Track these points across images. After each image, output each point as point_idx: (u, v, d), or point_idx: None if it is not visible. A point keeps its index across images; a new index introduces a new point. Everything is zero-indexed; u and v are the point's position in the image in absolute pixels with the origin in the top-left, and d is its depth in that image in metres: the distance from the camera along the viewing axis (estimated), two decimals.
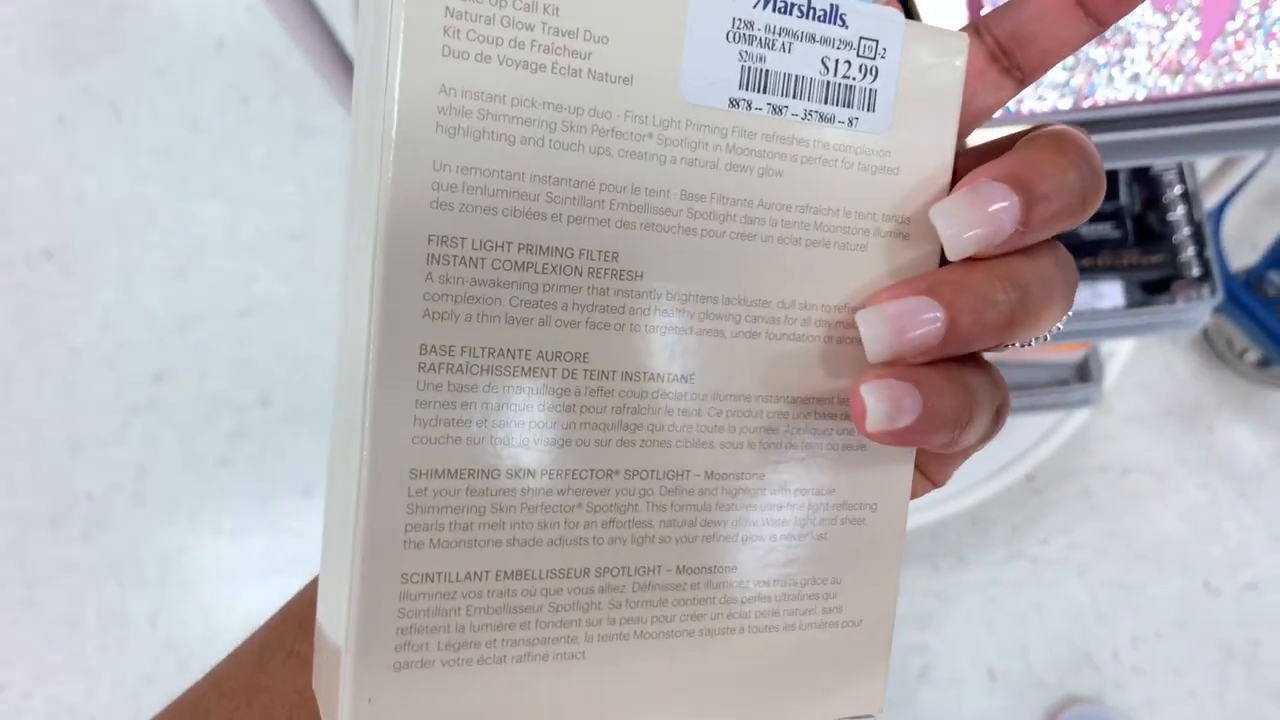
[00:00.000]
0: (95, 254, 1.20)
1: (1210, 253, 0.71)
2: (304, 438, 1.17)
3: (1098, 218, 0.72)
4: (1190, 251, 0.71)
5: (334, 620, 0.22)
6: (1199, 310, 0.71)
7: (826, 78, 0.23)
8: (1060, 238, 0.24)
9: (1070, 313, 0.24)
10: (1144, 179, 0.73)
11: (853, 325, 0.24)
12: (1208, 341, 1.19)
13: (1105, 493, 1.17)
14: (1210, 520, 1.16)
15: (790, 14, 0.23)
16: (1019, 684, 1.13)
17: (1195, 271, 0.71)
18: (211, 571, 1.14)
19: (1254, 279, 1.09)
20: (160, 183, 1.22)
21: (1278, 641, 1.13)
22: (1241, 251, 1.18)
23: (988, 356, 0.25)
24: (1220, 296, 0.70)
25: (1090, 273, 0.71)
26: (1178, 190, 0.72)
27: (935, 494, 1.02)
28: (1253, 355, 1.15)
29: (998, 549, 1.16)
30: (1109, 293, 0.71)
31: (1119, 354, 1.02)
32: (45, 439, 1.16)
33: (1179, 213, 0.72)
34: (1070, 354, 0.88)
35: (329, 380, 1.18)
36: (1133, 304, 0.71)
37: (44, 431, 1.16)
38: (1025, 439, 1.02)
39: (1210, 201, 0.76)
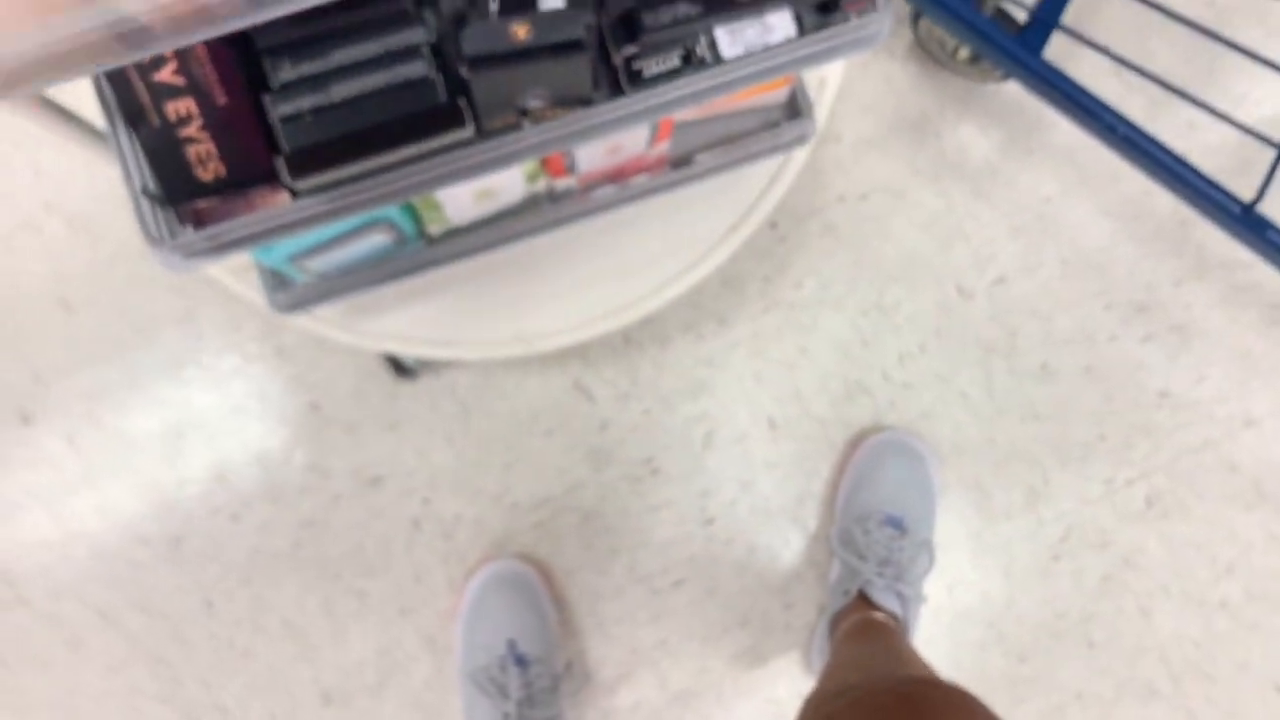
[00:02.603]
0: None
1: None
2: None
3: None
4: None
5: None
6: (876, 21, 0.67)
7: None
8: None
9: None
10: None
11: None
12: (921, 47, 1.16)
13: (848, 223, 1.16)
14: (952, 225, 1.17)
15: None
16: (800, 427, 1.15)
17: None
18: None
19: None
20: None
21: (1031, 327, 1.17)
22: None
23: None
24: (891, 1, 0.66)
25: (757, 6, 0.65)
26: None
27: (683, 261, 0.98)
28: (965, 52, 1.14)
29: (754, 303, 1.15)
30: (779, 24, 0.66)
31: (831, 81, 0.98)
32: None
33: None
34: (774, 94, 0.84)
35: None
36: (807, 31, 0.66)
37: None
38: (755, 188, 0.99)
39: None
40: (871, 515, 1.07)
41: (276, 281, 0.85)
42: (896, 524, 1.06)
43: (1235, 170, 1.02)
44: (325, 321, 0.96)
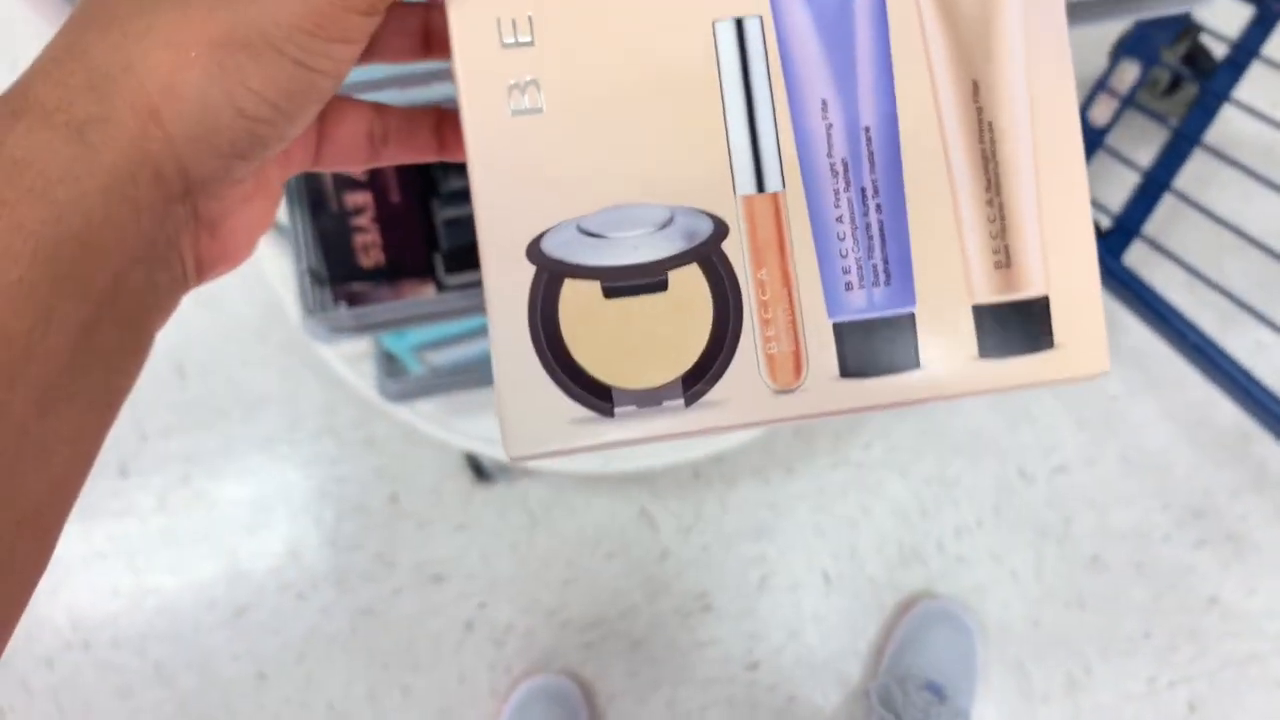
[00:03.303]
0: None
1: None
2: None
3: None
4: None
5: None
6: None
7: None
8: None
9: None
10: None
11: None
12: None
13: None
14: (1020, 408, 1.22)
15: None
16: (853, 584, 1.18)
17: None
18: None
19: None
20: None
21: (1087, 517, 1.20)
22: None
23: None
24: None
25: None
26: None
27: None
28: None
29: (823, 457, 1.20)
30: None
31: None
32: None
33: None
34: None
35: None
36: None
37: None
38: None
39: None
40: (913, 677, 1.09)
41: (391, 370, 0.92)
42: (937, 690, 1.08)
43: None
44: (422, 415, 1.02)
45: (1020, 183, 0.32)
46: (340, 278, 0.70)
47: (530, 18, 0.30)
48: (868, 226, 0.31)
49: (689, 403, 0.31)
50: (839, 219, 0.31)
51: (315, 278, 0.71)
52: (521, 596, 1.17)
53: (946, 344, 0.31)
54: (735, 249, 0.31)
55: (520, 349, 0.30)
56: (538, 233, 0.30)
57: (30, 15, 0.60)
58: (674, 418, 0.31)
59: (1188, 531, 1.20)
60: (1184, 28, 1.11)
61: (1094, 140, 1.09)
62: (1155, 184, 1.05)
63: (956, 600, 1.17)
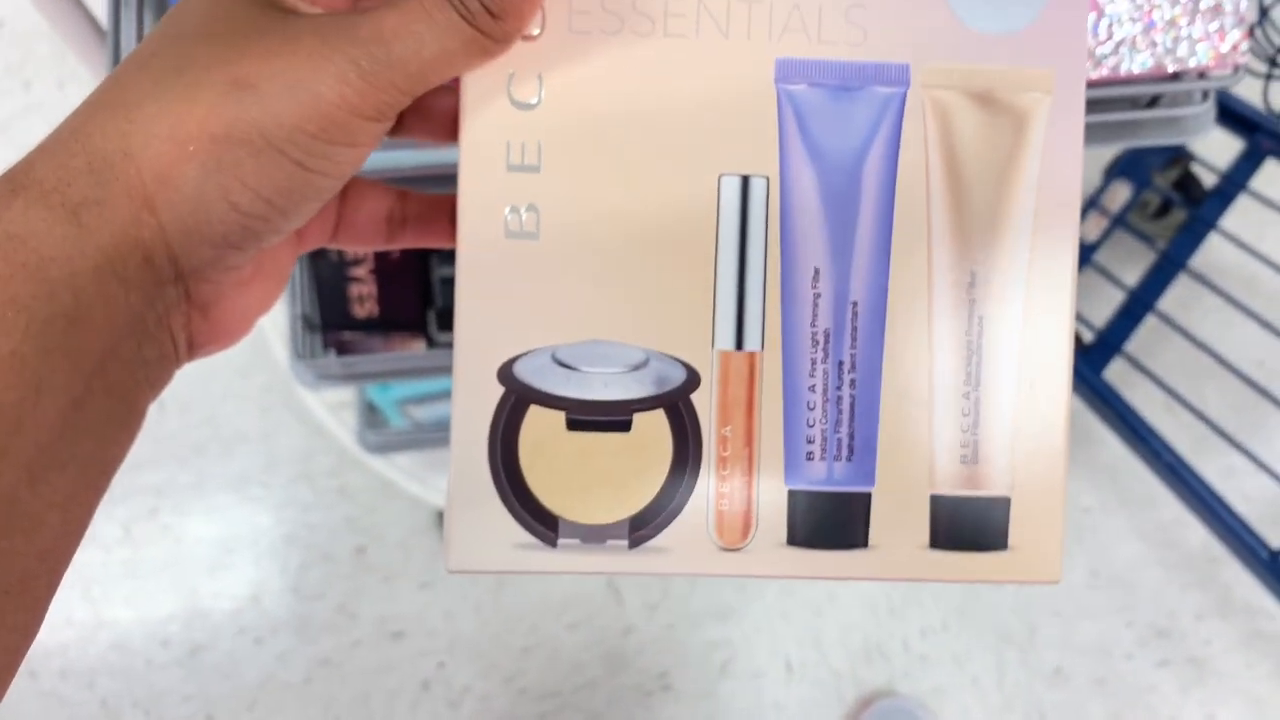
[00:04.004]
0: None
1: None
2: None
3: None
4: None
5: None
6: None
7: None
8: None
9: None
10: None
11: None
12: None
13: None
14: None
15: None
16: (815, 674, 1.17)
17: None
18: None
19: None
20: None
21: (1051, 627, 1.20)
22: None
23: None
24: None
25: None
26: None
27: None
28: None
29: None
30: None
31: None
32: None
33: None
34: None
35: None
36: None
37: None
38: None
39: None
40: None
41: (372, 421, 0.92)
42: None
43: (1268, 520, 1.08)
44: (399, 468, 1.02)
45: (1001, 381, 0.31)
46: (332, 325, 0.70)
47: (540, 144, 0.30)
48: (839, 400, 0.31)
49: (633, 545, 0.31)
50: (812, 388, 0.31)
51: (308, 323, 0.71)
52: (481, 659, 1.16)
53: (898, 528, 0.31)
54: (704, 401, 0.31)
55: (477, 465, 0.31)
56: (513, 355, 0.31)
57: (48, 31, 0.61)
58: (615, 557, 0.31)
59: (1151, 651, 1.20)
60: (1176, 155, 1.14)
61: (1082, 256, 1.11)
62: (1139, 303, 1.07)
63: (917, 701, 1.16)
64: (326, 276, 0.70)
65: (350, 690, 1.14)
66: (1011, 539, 0.31)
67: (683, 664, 1.17)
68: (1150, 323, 1.08)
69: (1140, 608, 1.21)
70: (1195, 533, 1.21)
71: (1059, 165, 0.31)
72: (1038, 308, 0.31)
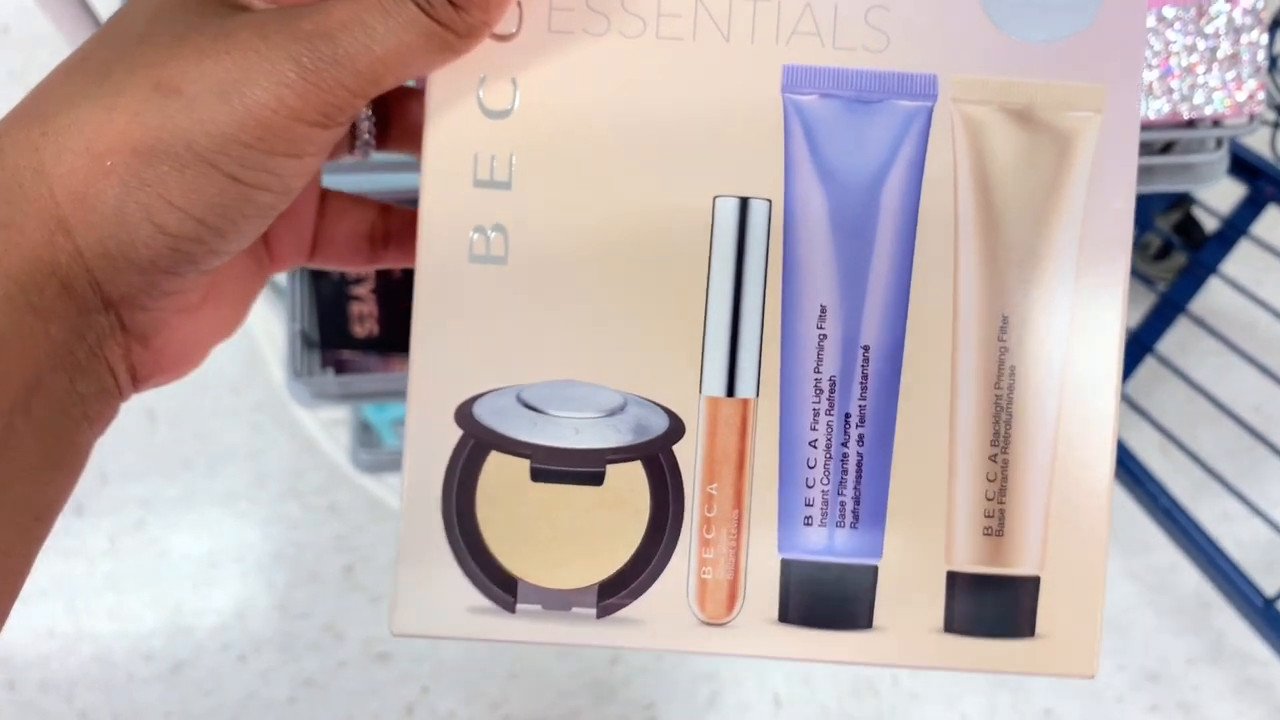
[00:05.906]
0: None
1: None
2: None
3: None
4: None
5: None
6: None
7: None
8: None
9: None
10: None
11: None
12: None
13: None
14: None
15: None
16: (803, 710, 1.16)
17: None
18: None
19: None
20: None
21: None
22: None
23: None
24: None
25: None
26: None
27: None
28: None
29: None
30: None
31: None
32: None
33: None
34: None
35: None
36: None
37: None
38: None
39: None
40: None
41: (365, 440, 0.91)
42: None
43: (1263, 568, 1.07)
44: (390, 488, 1.01)
45: (1034, 443, 0.27)
46: (331, 344, 0.70)
47: (512, 158, 0.27)
48: (844, 458, 0.27)
49: (601, 614, 0.27)
50: (813, 443, 0.27)
51: (306, 341, 0.71)
52: (466, 686, 1.15)
53: (908, 609, 0.28)
54: (688, 454, 0.27)
55: (428, 517, 0.27)
56: (473, 394, 0.27)
57: (50, 37, 0.60)
58: (581, 628, 0.27)
59: (1141, 694, 1.19)
60: (1178, 198, 1.14)
61: None
62: (1138, 345, 1.06)
63: None
64: (328, 294, 0.69)
65: (333, 711, 1.13)
66: (1040, 625, 0.27)
67: (669, 696, 1.16)
68: (1149, 365, 1.08)
69: (1132, 651, 1.20)
70: (1188, 577, 1.21)
71: (1109, 195, 0.27)
72: (1079, 360, 0.27)
